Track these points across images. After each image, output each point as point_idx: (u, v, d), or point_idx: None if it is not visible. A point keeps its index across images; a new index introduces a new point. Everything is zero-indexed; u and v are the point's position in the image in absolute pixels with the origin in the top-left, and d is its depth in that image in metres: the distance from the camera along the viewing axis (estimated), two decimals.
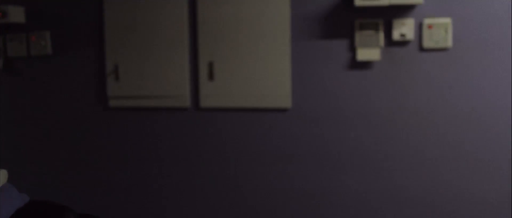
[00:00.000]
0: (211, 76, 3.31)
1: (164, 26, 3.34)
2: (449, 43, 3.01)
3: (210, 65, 3.31)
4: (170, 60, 3.35)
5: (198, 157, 3.41)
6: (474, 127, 3.03)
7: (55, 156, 3.63)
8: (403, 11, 3.05)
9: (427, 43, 3.03)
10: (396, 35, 3.05)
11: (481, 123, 3.03)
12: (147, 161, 3.49)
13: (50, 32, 3.55)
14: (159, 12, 3.34)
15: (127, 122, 3.49)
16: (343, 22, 3.13)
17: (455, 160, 3.07)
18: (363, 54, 3.09)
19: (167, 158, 3.45)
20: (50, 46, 3.55)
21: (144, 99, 3.42)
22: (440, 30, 3.01)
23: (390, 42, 3.08)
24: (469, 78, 3.01)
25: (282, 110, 3.26)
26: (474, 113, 3.03)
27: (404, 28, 3.04)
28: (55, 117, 3.61)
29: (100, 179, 3.56)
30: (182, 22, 3.32)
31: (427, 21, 3.02)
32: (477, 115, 3.02)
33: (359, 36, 3.09)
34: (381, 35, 3.07)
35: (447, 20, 3.00)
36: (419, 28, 3.04)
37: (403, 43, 3.07)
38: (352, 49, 3.13)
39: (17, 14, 3.49)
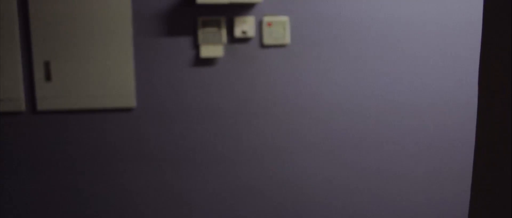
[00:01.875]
0: (48, 76, 3.09)
1: None
2: (287, 40, 3.16)
3: (47, 65, 3.09)
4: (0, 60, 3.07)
5: (37, 164, 3.16)
6: (311, 118, 3.22)
7: None
8: (244, 9, 3.13)
9: (267, 40, 3.15)
10: (238, 32, 3.12)
11: (318, 114, 3.22)
12: None
13: None
14: None
15: None
16: (186, 20, 3.13)
17: (298, 150, 3.23)
18: (206, 51, 3.12)
19: (2, 166, 3.15)
20: None
21: None
22: (279, 28, 3.15)
23: (232, 39, 3.15)
24: (305, 72, 3.19)
25: (127, 110, 3.16)
26: (311, 105, 3.21)
27: (245, 26, 3.13)
28: None
29: None
30: (12, 18, 3.06)
31: (266, 19, 3.14)
32: (313, 107, 3.21)
33: (202, 33, 3.11)
34: (224, 32, 3.12)
35: (284, 18, 3.15)
36: (259, 25, 3.15)
37: (244, 39, 3.15)
38: (196, 46, 3.14)
39: None
